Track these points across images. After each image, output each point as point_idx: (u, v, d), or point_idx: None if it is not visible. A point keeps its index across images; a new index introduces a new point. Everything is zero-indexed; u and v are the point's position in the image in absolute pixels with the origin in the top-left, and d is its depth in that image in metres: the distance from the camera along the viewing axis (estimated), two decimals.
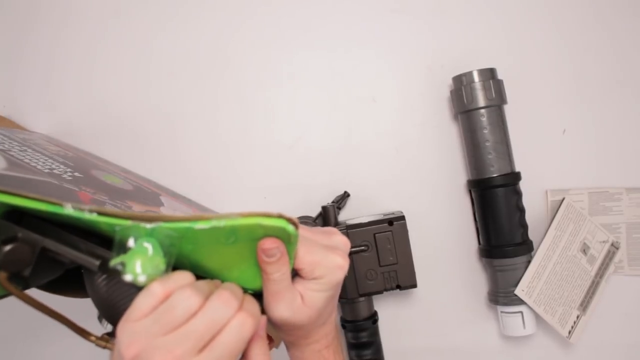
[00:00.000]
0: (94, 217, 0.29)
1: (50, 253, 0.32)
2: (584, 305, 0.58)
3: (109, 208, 0.32)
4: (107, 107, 0.64)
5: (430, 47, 0.62)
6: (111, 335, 0.34)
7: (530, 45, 0.61)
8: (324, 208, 0.58)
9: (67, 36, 0.64)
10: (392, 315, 0.62)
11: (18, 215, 0.31)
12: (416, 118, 0.62)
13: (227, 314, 0.30)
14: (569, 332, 0.57)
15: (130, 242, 0.29)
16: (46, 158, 0.46)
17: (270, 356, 0.35)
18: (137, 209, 0.44)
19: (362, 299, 0.58)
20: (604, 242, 0.59)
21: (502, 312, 0.58)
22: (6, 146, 0.43)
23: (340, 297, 0.58)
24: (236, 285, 0.34)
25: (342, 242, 0.40)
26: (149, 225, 0.29)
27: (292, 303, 0.36)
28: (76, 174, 0.45)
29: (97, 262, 0.31)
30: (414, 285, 0.56)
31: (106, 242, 0.31)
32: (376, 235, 0.56)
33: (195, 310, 0.30)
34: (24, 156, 0.43)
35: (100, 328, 0.35)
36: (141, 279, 0.29)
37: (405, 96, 0.62)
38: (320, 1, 0.62)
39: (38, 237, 0.31)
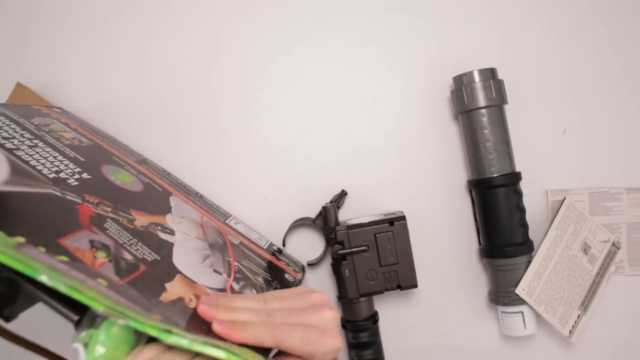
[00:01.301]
0: (67, 290, 0.28)
1: (32, 296, 0.31)
2: (585, 305, 0.58)
3: (87, 285, 0.30)
4: (107, 104, 0.64)
5: (430, 47, 0.62)
6: None
7: (531, 46, 0.61)
8: (324, 208, 0.58)
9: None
10: (392, 315, 0.62)
11: None
12: (416, 118, 0.62)
13: None
14: (570, 332, 0.57)
15: (97, 330, 0.29)
16: (57, 154, 0.44)
17: None
18: (141, 221, 0.43)
19: (362, 299, 0.58)
20: (605, 241, 0.59)
21: (502, 312, 0.58)
22: (16, 143, 0.42)
23: (341, 297, 0.58)
24: None
25: (331, 320, 0.37)
26: (120, 322, 0.28)
27: None
28: (84, 175, 0.43)
29: (76, 318, 0.30)
30: (415, 286, 0.56)
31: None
32: (377, 235, 0.56)
33: None
34: (32, 155, 0.41)
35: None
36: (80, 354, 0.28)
37: (405, 96, 0.62)
38: (320, 1, 0.62)
39: (20, 281, 0.30)
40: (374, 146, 0.62)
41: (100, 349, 0.28)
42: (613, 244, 0.59)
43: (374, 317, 0.59)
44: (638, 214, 0.59)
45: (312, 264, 0.61)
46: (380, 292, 0.56)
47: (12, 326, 0.33)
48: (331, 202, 0.60)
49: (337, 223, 0.58)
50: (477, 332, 0.62)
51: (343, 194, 0.61)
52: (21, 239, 0.28)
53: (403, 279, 0.56)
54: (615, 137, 0.60)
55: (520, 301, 0.56)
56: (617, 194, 0.60)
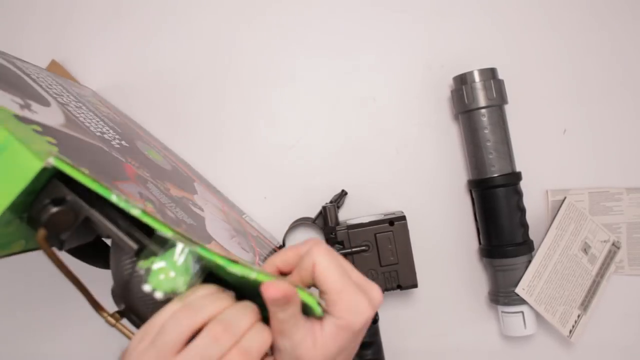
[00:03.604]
0: (138, 214, 0.29)
1: (90, 223, 0.31)
2: (585, 304, 0.58)
3: (151, 209, 0.32)
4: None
5: (431, 47, 0.62)
6: (122, 314, 0.33)
7: (531, 45, 0.61)
8: (325, 208, 0.58)
9: None
10: (392, 315, 0.62)
11: (67, 177, 0.30)
12: (416, 118, 0.62)
13: (218, 352, 0.29)
14: (570, 332, 0.57)
15: (161, 252, 0.30)
16: (98, 119, 0.45)
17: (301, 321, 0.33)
18: (175, 192, 0.44)
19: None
20: (605, 241, 0.59)
21: (502, 312, 0.58)
22: (64, 99, 0.43)
23: None
24: (244, 312, 0.32)
25: (376, 295, 0.35)
26: (187, 246, 0.30)
27: (298, 343, 0.32)
28: (123, 142, 0.45)
29: (136, 246, 0.31)
30: (415, 285, 0.56)
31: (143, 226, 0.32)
32: (377, 235, 0.56)
33: (190, 332, 0.29)
34: (79, 114, 0.43)
35: (112, 304, 0.35)
36: (158, 295, 0.29)
37: (405, 96, 0.62)
38: (321, 2, 0.62)
39: (85, 206, 0.31)
40: (374, 146, 0.62)
41: (162, 276, 0.29)
42: (613, 244, 0.59)
43: (374, 317, 0.58)
44: (638, 214, 0.59)
45: None
46: None
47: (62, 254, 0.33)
48: (331, 202, 0.60)
49: (337, 223, 0.58)
50: (477, 332, 0.62)
51: (343, 193, 0.61)
52: (86, 171, 0.29)
53: (403, 278, 0.56)
54: (615, 137, 0.60)
55: (520, 301, 0.56)
56: (617, 194, 0.60)
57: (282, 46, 0.63)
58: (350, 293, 0.33)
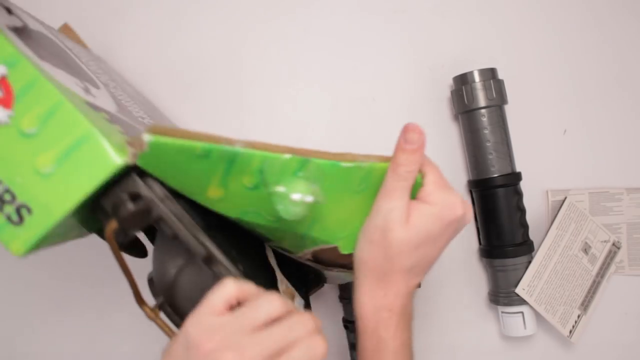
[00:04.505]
0: (248, 151, 0.30)
1: (160, 223, 0.31)
2: (585, 304, 0.58)
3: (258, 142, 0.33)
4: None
5: (431, 47, 0.61)
6: (160, 308, 0.33)
7: (531, 45, 0.61)
8: None
9: None
10: None
11: (140, 173, 0.29)
12: (416, 118, 0.61)
13: (305, 331, 0.30)
14: (570, 332, 0.57)
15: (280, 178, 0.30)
16: (129, 99, 0.44)
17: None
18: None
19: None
20: (605, 241, 0.59)
21: (502, 312, 0.58)
22: (103, 79, 0.41)
23: (343, 297, 0.58)
24: (311, 318, 0.33)
25: (469, 206, 0.38)
26: (303, 158, 0.31)
27: (398, 209, 0.35)
28: (146, 119, 0.43)
29: (204, 252, 0.31)
30: (417, 286, 0.56)
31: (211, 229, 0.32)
32: None
33: (276, 317, 0.29)
34: (119, 95, 0.41)
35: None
36: (308, 198, 0.29)
37: (405, 96, 0.62)
38: (320, 1, 0.62)
39: (158, 204, 0.30)
40: (374, 146, 0.62)
41: (300, 186, 0.30)
42: (613, 244, 0.59)
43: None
44: (638, 214, 0.59)
45: None
46: None
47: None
48: None
49: None
50: (477, 333, 0.62)
51: None
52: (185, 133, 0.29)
53: None
54: (615, 137, 0.60)
55: (520, 301, 0.56)
56: (617, 194, 0.60)
57: (281, 46, 0.62)
58: (446, 189, 0.37)
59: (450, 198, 0.36)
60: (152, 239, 0.38)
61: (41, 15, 0.58)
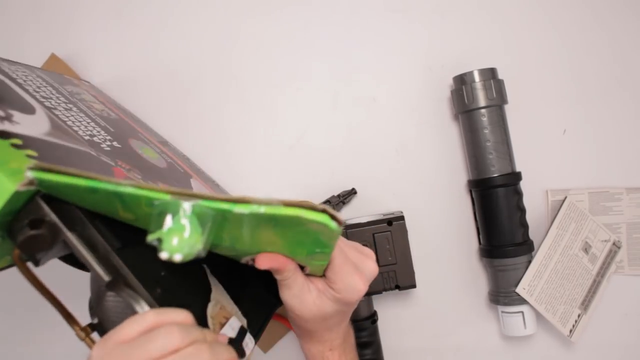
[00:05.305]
0: (131, 190, 0.29)
1: (67, 245, 0.31)
2: (585, 304, 0.58)
3: (147, 183, 0.32)
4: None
5: (431, 47, 0.62)
6: (93, 328, 0.34)
7: (531, 46, 0.61)
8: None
9: None
10: (392, 315, 0.62)
11: (48, 196, 0.30)
12: (416, 118, 0.62)
13: None
14: (570, 331, 0.57)
15: (168, 219, 0.29)
16: (89, 120, 0.45)
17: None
18: None
19: (361, 298, 0.58)
20: (605, 241, 0.59)
21: (502, 312, 0.58)
22: (53, 103, 0.43)
23: None
24: (221, 344, 0.33)
25: (371, 270, 0.41)
26: (188, 202, 0.29)
27: (301, 297, 0.39)
28: (115, 143, 0.44)
29: (108, 278, 0.31)
30: (413, 286, 0.56)
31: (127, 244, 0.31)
32: (375, 235, 0.56)
33: (172, 349, 0.29)
34: (68, 116, 0.42)
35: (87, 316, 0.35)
36: (177, 257, 0.28)
37: (405, 96, 0.62)
38: (321, 1, 0.62)
39: (63, 229, 0.30)
40: (374, 146, 0.62)
41: (175, 239, 0.28)
42: (614, 244, 0.59)
43: (373, 317, 0.59)
44: (638, 214, 0.59)
45: None
46: (378, 292, 0.57)
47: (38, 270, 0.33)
48: (339, 196, 0.60)
49: None
50: (477, 332, 0.62)
51: (352, 191, 0.61)
52: (65, 169, 0.29)
53: (401, 279, 0.56)
54: (615, 137, 0.60)
55: (521, 301, 0.56)
56: (617, 194, 0.60)
57: (282, 46, 0.63)
58: (347, 273, 0.39)
59: (353, 283, 0.39)
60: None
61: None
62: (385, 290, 0.56)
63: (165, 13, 0.63)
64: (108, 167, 0.38)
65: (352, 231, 0.56)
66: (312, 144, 0.63)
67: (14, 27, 0.64)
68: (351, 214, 0.62)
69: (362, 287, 0.39)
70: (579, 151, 0.60)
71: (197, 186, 0.53)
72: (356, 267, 0.39)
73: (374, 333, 0.59)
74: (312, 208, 0.30)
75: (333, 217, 0.30)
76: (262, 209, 0.29)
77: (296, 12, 0.62)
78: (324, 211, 0.30)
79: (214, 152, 0.63)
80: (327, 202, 0.60)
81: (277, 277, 0.38)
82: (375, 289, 0.56)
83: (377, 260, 0.55)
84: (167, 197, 0.29)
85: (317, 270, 0.39)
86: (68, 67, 0.62)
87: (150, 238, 0.29)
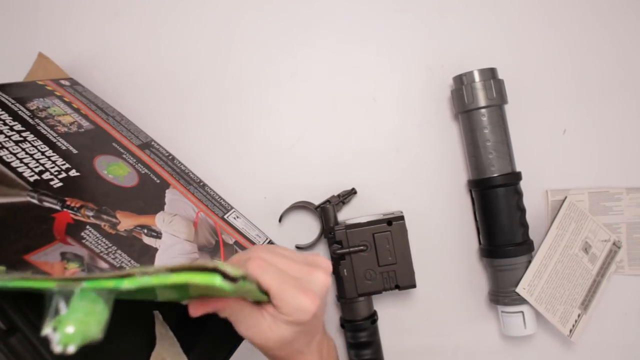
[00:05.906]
0: (17, 283, 0.27)
1: None
2: (585, 304, 0.58)
3: (73, 271, 0.31)
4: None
5: (431, 47, 0.62)
6: None
7: (531, 46, 0.61)
8: (323, 209, 0.58)
9: None
10: (392, 315, 0.62)
11: None
12: (416, 118, 0.62)
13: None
14: (570, 331, 0.57)
15: (62, 305, 0.27)
16: (46, 148, 0.43)
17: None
18: (125, 224, 0.42)
19: (361, 298, 0.58)
20: (605, 241, 0.59)
21: (502, 312, 0.58)
22: (1, 139, 0.41)
23: (340, 297, 0.58)
24: None
25: (320, 282, 0.37)
26: (77, 287, 0.27)
27: (256, 327, 0.36)
28: (72, 172, 0.42)
29: (3, 327, 0.31)
30: (413, 286, 0.56)
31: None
32: (375, 235, 0.56)
33: None
34: (16, 154, 0.40)
35: None
36: (70, 349, 0.26)
37: (405, 96, 0.62)
38: (321, 1, 0.62)
39: None
40: (374, 146, 0.62)
41: (69, 328, 0.26)
42: (614, 244, 0.59)
43: (372, 317, 0.59)
44: (638, 214, 0.59)
45: (300, 248, 0.61)
46: (378, 292, 0.57)
47: None
48: (339, 196, 0.60)
49: (336, 222, 0.58)
50: (477, 332, 0.62)
51: (352, 191, 0.61)
52: None
53: (401, 279, 0.56)
54: (615, 137, 0.60)
55: (521, 301, 0.56)
56: (617, 194, 0.60)
57: (281, 45, 0.63)
58: (289, 295, 0.35)
59: (299, 303, 0.35)
60: None
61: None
62: (385, 290, 0.56)
63: (165, 12, 0.63)
64: (48, 215, 0.37)
65: (352, 231, 0.56)
66: (312, 144, 0.63)
67: (10, 27, 0.64)
68: (351, 214, 0.62)
69: (309, 306, 0.35)
70: (579, 151, 0.60)
71: (173, 197, 0.52)
72: (300, 285, 0.36)
73: (374, 333, 0.59)
74: (201, 269, 0.28)
75: (225, 275, 0.28)
76: (150, 281, 0.27)
77: (296, 12, 0.62)
78: (214, 269, 0.28)
79: (213, 152, 0.63)
80: (327, 202, 0.60)
81: (222, 315, 0.36)
82: (375, 289, 0.57)
83: (377, 260, 0.56)
84: (53, 286, 0.27)
85: (260, 298, 0.36)
86: (56, 65, 0.60)
87: (45, 331, 0.27)
